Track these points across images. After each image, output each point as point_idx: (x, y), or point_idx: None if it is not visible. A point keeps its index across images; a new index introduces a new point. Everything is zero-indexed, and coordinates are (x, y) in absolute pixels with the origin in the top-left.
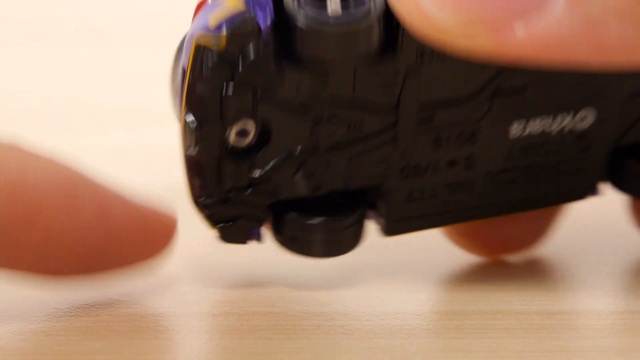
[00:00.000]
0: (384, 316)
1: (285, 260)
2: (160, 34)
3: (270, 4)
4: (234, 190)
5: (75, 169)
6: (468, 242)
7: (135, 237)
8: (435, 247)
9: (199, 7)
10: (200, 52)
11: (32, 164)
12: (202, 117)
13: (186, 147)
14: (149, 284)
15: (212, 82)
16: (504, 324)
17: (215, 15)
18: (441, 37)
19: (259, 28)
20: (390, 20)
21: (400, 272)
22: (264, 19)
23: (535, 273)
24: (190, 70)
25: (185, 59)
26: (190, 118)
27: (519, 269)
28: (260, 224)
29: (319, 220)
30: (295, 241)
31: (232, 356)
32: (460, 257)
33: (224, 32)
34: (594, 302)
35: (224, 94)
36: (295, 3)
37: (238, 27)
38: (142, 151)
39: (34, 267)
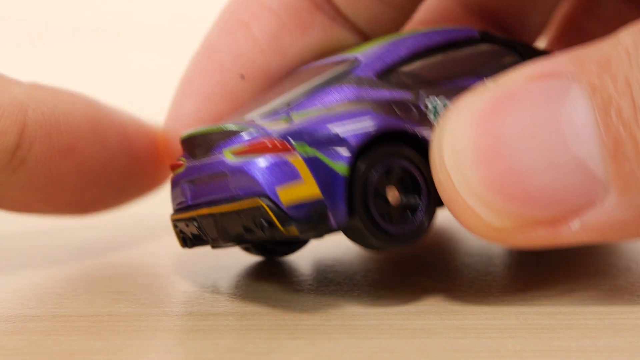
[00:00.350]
0: (384, 316)
1: (285, 260)
2: (160, 34)
3: (344, 198)
4: None
5: (95, 99)
6: None
7: (151, 155)
8: (435, 248)
9: (259, 149)
10: (259, 211)
11: (59, 98)
12: None
13: None
14: (149, 284)
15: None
16: (504, 324)
17: (288, 191)
18: (497, 236)
19: (330, 224)
20: None
21: (400, 272)
22: (339, 214)
23: (535, 273)
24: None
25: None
26: None
27: (519, 269)
28: None
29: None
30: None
31: (232, 356)
32: (460, 257)
33: (294, 220)
34: (594, 302)
35: None
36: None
37: (310, 218)
38: None
39: (71, 196)
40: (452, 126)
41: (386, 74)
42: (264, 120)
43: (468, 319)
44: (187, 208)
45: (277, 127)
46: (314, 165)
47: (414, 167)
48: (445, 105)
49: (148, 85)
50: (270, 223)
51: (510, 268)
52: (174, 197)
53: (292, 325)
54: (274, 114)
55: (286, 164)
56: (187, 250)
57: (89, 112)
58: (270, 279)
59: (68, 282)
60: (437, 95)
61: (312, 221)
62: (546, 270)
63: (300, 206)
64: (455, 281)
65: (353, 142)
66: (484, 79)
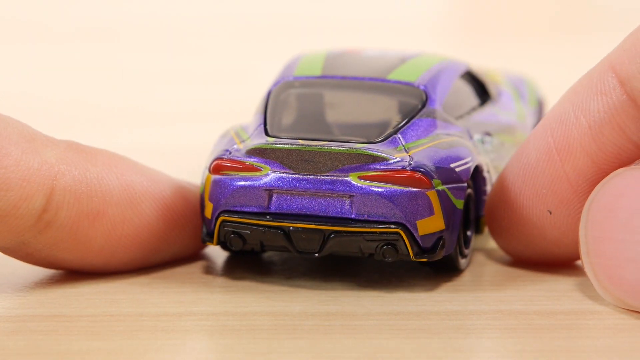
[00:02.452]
0: (384, 316)
1: (285, 260)
2: (160, 34)
3: None
4: None
5: (130, 160)
6: None
7: (190, 222)
8: None
9: (403, 179)
10: (392, 238)
11: (93, 161)
12: None
13: None
14: (149, 284)
15: None
16: (504, 324)
17: (424, 224)
18: None
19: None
20: None
21: (401, 272)
22: (450, 245)
23: (535, 273)
24: None
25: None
26: None
27: (519, 270)
28: None
29: None
30: None
31: (232, 356)
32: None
33: (425, 251)
34: (594, 302)
35: None
36: None
37: (435, 248)
38: (141, 150)
39: (100, 259)
40: None
41: (444, 106)
42: (383, 147)
43: (468, 319)
44: (266, 216)
45: (402, 156)
46: (443, 200)
47: (474, 195)
48: (482, 140)
49: (147, 86)
50: (397, 250)
51: (510, 268)
52: (239, 199)
53: (292, 325)
54: (387, 143)
55: (427, 198)
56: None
57: (124, 178)
58: (270, 279)
59: (68, 282)
60: (473, 128)
61: (435, 251)
62: (546, 271)
63: (429, 237)
64: (455, 281)
65: (464, 177)
66: (482, 116)
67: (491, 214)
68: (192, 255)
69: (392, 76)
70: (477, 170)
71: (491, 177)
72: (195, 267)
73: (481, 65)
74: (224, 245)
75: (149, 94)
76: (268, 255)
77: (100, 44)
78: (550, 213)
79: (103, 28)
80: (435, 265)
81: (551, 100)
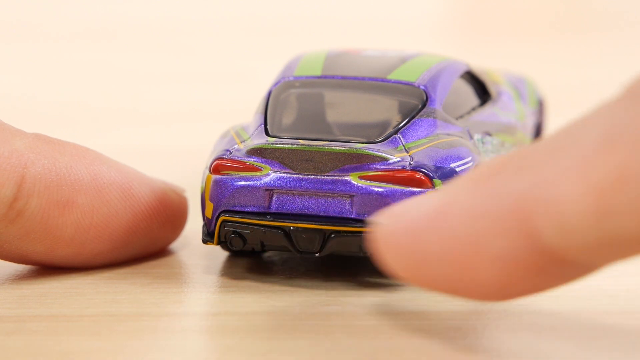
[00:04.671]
0: (384, 316)
1: (285, 260)
2: (159, 35)
3: None
4: None
5: (97, 152)
6: None
7: (158, 214)
8: None
9: (404, 180)
10: None
11: (61, 151)
12: None
13: None
14: (149, 284)
15: None
16: (504, 324)
17: None
18: None
19: None
20: None
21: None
22: None
23: None
24: None
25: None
26: None
27: None
28: None
29: None
30: None
31: (232, 356)
32: None
33: None
34: (593, 302)
35: None
36: None
37: None
38: (140, 151)
39: (70, 249)
40: None
41: (444, 106)
42: (383, 147)
43: (468, 319)
44: (266, 216)
45: (403, 156)
46: None
47: None
48: (481, 140)
49: (147, 86)
50: None
51: None
52: (240, 199)
53: (292, 325)
54: (387, 143)
55: None
56: (186, 251)
57: (92, 167)
58: (270, 279)
59: (68, 282)
60: (473, 128)
61: None
62: None
63: None
64: None
65: None
66: (482, 117)
67: None
68: (161, 250)
69: (392, 76)
70: None
71: None
72: (196, 267)
73: (481, 65)
74: (224, 245)
75: (148, 94)
76: (268, 255)
77: (98, 45)
78: None
79: (102, 29)
80: None
81: (551, 101)
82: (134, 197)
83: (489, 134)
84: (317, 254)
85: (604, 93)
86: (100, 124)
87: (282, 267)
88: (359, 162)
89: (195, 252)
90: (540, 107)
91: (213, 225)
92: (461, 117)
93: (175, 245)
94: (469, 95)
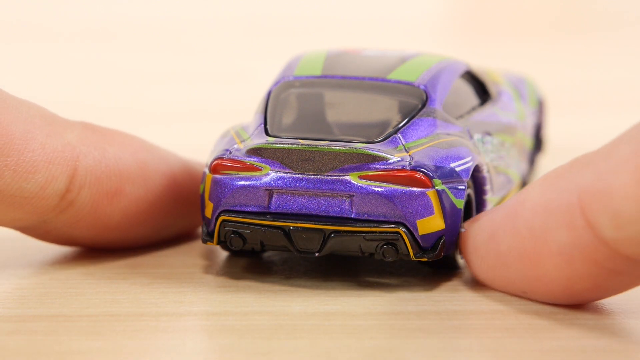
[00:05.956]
0: (384, 316)
1: (285, 260)
2: (159, 35)
3: None
4: None
5: (146, 141)
6: None
7: (197, 198)
8: None
9: (404, 179)
10: (393, 238)
11: (110, 141)
12: None
13: None
14: (149, 284)
15: None
16: (504, 324)
17: (424, 223)
18: None
19: (442, 253)
20: None
21: (401, 272)
22: (450, 245)
23: None
24: None
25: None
26: None
27: None
28: None
29: None
30: None
31: (232, 356)
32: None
33: (424, 250)
34: (593, 302)
35: None
36: None
37: (435, 248)
38: None
39: (116, 234)
40: None
41: (444, 106)
42: (383, 147)
43: (468, 319)
44: (266, 215)
45: (402, 156)
46: (443, 199)
47: (474, 195)
48: (482, 140)
49: (146, 86)
50: (398, 249)
51: None
52: (239, 199)
53: (292, 325)
54: (387, 143)
55: (427, 197)
56: (186, 251)
57: (138, 156)
58: (270, 279)
59: (68, 282)
60: (473, 127)
61: (435, 250)
62: None
63: (430, 236)
64: (455, 281)
65: (464, 177)
66: (482, 117)
67: (477, 249)
68: (194, 230)
69: (393, 76)
70: (477, 169)
71: (491, 177)
72: (195, 267)
73: (481, 65)
74: (224, 245)
75: (149, 94)
76: (268, 255)
77: (99, 45)
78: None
79: (102, 29)
80: (435, 265)
81: (551, 101)
82: (177, 183)
83: (489, 134)
84: (317, 254)
85: (604, 93)
86: (100, 124)
87: (281, 267)
88: (358, 161)
89: (195, 252)
90: (540, 107)
91: (213, 225)
92: (461, 116)
93: (175, 245)
94: (469, 95)
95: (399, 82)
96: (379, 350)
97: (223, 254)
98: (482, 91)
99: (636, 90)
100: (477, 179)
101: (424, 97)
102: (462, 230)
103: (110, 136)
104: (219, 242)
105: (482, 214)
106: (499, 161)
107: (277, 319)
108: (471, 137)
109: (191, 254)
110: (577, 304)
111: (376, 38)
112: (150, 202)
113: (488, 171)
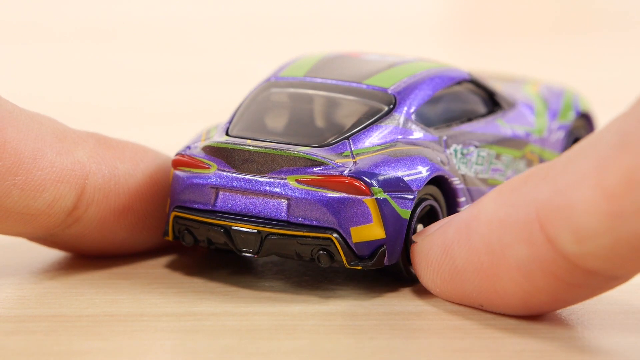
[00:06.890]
0: (384, 316)
1: (284, 260)
2: (159, 35)
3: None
4: None
5: (153, 152)
6: None
7: None
8: None
9: (338, 185)
10: (325, 244)
11: (121, 158)
12: None
13: None
14: (149, 284)
15: None
16: (504, 324)
17: (359, 231)
18: None
19: (384, 263)
20: None
21: None
22: (394, 255)
23: None
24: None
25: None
26: None
27: None
28: None
29: None
30: None
31: (232, 356)
32: None
33: (359, 258)
34: (592, 302)
35: None
36: None
37: (372, 257)
38: None
39: (121, 247)
40: None
41: (418, 114)
42: (327, 152)
43: (468, 319)
44: (212, 213)
45: (345, 162)
46: (383, 208)
47: (439, 207)
48: (461, 151)
49: (146, 86)
50: (332, 256)
51: None
52: (189, 196)
53: (292, 325)
54: (335, 147)
55: (363, 205)
56: (186, 251)
57: (148, 172)
58: (270, 279)
59: (68, 282)
60: (453, 138)
61: (373, 259)
62: None
63: (366, 245)
64: None
65: (414, 187)
66: (478, 126)
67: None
68: None
69: (369, 81)
70: (444, 181)
71: (469, 189)
72: (196, 267)
73: (518, 75)
74: (179, 240)
75: (149, 94)
76: (267, 256)
77: (99, 44)
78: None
79: (102, 29)
80: (384, 273)
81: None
82: None
83: (476, 146)
84: (255, 255)
85: (604, 93)
86: (100, 124)
87: (281, 268)
88: (297, 165)
89: (195, 252)
90: (578, 120)
91: (167, 220)
92: (441, 126)
93: (175, 246)
94: (464, 105)
95: (372, 87)
96: (379, 350)
97: (223, 255)
98: (491, 102)
99: (636, 91)
100: (448, 190)
101: (392, 104)
102: (413, 242)
103: (121, 151)
104: (174, 238)
105: (431, 226)
106: (491, 173)
107: (277, 319)
108: (446, 147)
109: (191, 255)
110: (535, 315)
111: (376, 38)
112: (158, 218)
113: (465, 183)
